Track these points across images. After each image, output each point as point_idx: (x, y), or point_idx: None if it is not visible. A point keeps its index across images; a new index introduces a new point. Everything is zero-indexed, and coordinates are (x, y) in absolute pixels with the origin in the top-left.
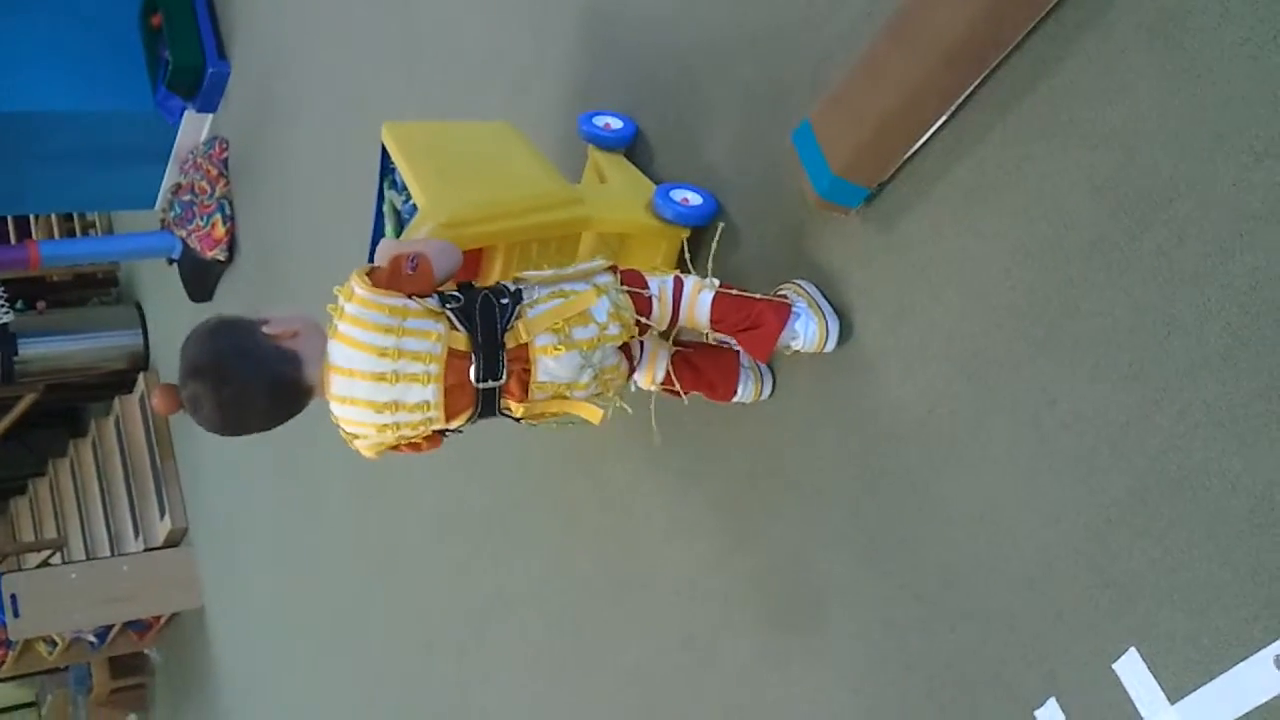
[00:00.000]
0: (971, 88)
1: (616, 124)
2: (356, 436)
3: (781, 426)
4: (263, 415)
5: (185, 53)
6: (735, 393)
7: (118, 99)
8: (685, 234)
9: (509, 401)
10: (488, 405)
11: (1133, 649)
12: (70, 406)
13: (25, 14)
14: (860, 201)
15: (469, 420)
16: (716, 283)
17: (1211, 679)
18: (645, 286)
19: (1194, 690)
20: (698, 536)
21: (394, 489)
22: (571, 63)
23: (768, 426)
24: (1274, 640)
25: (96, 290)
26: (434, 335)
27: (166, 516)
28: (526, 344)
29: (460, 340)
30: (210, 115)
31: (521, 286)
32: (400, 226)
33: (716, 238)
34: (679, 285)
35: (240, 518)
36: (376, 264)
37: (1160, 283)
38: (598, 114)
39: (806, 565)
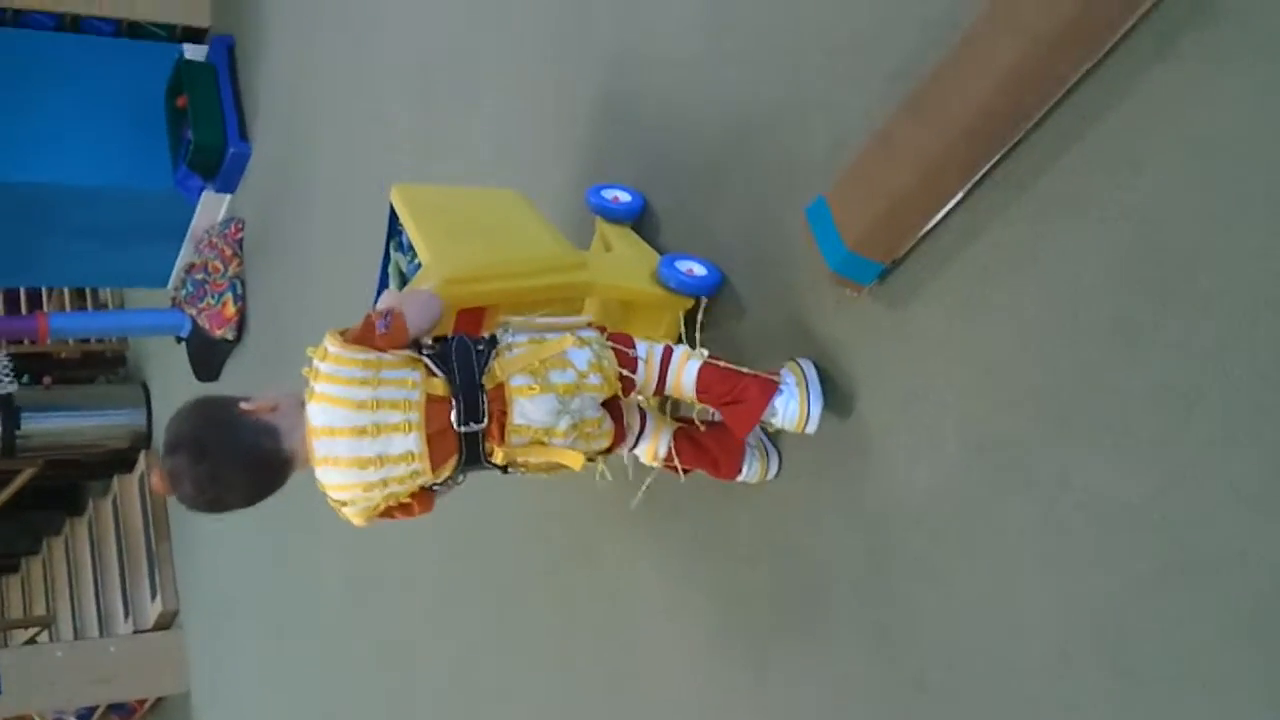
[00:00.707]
0: (990, 164)
1: (625, 197)
2: (344, 504)
3: (786, 508)
4: (242, 491)
5: (208, 133)
6: (740, 471)
7: (138, 177)
8: (688, 305)
9: (491, 445)
10: (472, 451)
11: None
12: (69, 485)
13: (55, 88)
14: (873, 278)
15: (456, 470)
16: (705, 353)
17: None
18: (632, 346)
19: None
20: (695, 621)
21: (391, 579)
22: (585, 142)
23: (772, 508)
24: None
25: (104, 369)
26: (410, 383)
27: (158, 598)
28: (503, 384)
29: (438, 386)
30: (228, 196)
31: (500, 331)
32: (403, 288)
33: (702, 309)
34: (668, 352)
35: (233, 604)
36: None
37: (1182, 358)
38: (607, 187)
39: (808, 651)
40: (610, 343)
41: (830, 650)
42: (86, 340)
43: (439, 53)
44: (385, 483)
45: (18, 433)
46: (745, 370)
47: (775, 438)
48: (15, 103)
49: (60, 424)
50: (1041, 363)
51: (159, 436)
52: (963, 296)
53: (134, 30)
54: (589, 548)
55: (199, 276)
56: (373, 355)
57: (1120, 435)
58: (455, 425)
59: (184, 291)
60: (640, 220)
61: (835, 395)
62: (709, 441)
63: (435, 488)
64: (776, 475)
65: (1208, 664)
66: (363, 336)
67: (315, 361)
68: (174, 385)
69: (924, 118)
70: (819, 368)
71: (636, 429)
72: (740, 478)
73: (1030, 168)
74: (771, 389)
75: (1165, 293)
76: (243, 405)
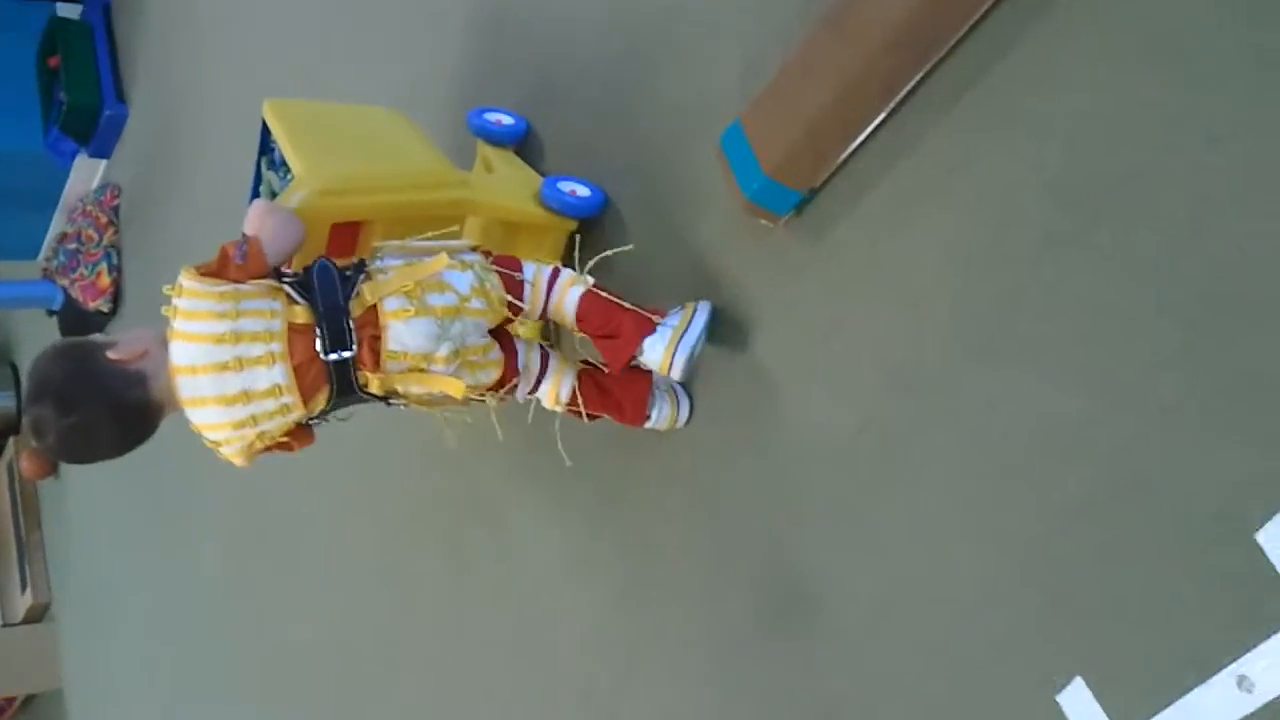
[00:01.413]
0: (912, 83)
1: (507, 120)
2: (219, 444)
3: (699, 454)
4: (112, 442)
5: (82, 93)
6: (647, 417)
7: (6, 139)
8: (572, 227)
9: (365, 374)
10: (343, 382)
11: (1079, 679)
12: None
13: None
14: (791, 208)
15: (329, 404)
16: (590, 280)
17: (1166, 706)
18: (519, 269)
19: None
20: (600, 579)
21: (275, 545)
22: (465, 63)
23: (683, 454)
24: (1236, 658)
25: None
26: (270, 313)
27: (28, 590)
28: (374, 308)
29: (300, 313)
30: (104, 161)
31: (373, 256)
32: None
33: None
34: (555, 274)
35: (109, 594)
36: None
37: (1112, 278)
38: (489, 110)
39: (722, 609)
40: (495, 266)
41: (749, 608)
42: None
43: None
44: (255, 419)
45: None
46: (626, 304)
47: (687, 383)
48: None
49: None
50: (964, 289)
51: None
52: (883, 224)
53: None
54: (485, 501)
55: (72, 246)
56: (229, 287)
57: (1049, 360)
58: (321, 354)
59: (55, 262)
60: (524, 144)
61: (748, 332)
62: (613, 385)
63: (311, 422)
64: (688, 422)
65: (1141, 593)
66: (219, 269)
67: (173, 299)
68: None
69: (844, 34)
70: (715, 312)
71: (535, 370)
72: (649, 424)
73: (952, 86)
74: (646, 328)
75: (1095, 210)
76: (110, 354)
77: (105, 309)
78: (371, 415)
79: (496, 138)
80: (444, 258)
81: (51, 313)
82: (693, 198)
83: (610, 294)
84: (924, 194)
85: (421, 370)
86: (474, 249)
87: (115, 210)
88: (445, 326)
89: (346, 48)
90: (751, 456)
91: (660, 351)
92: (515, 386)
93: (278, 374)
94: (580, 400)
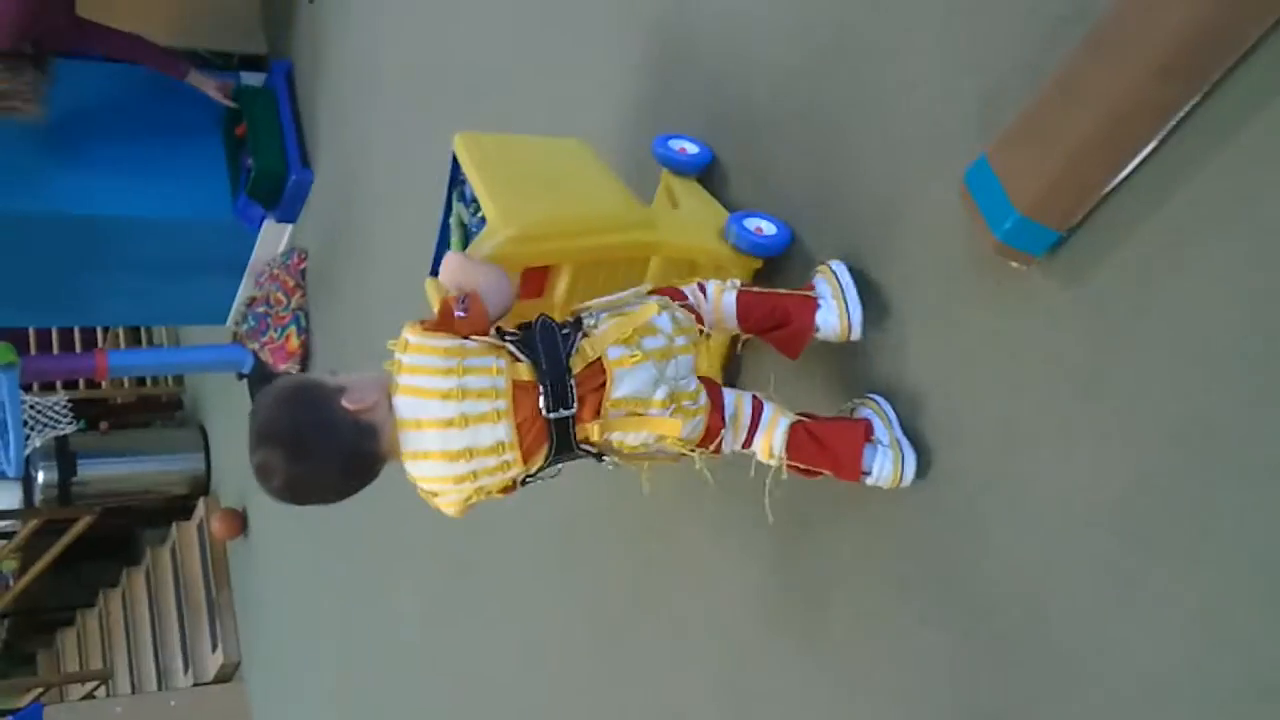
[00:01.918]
0: (1189, 105)
1: (692, 149)
2: (435, 495)
3: (934, 517)
4: (335, 490)
5: (269, 159)
6: (865, 472)
7: (195, 209)
8: (757, 266)
9: (584, 428)
10: (563, 439)
11: None
12: (125, 535)
13: (110, 119)
14: (1047, 248)
15: (546, 460)
16: (738, 283)
17: None
18: (684, 297)
19: None
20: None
21: (470, 617)
22: (649, 89)
23: (915, 517)
24: None
25: (160, 413)
26: (495, 369)
27: (219, 649)
28: (598, 360)
29: (524, 371)
30: (290, 226)
31: (581, 315)
32: (466, 241)
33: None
34: (703, 289)
35: (299, 653)
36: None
37: None
38: (673, 137)
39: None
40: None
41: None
42: (143, 383)
43: (496, 57)
44: (475, 475)
45: (73, 480)
46: (781, 291)
47: (913, 432)
48: (70, 135)
49: (117, 470)
50: (1261, 332)
51: (218, 481)
52: (1154, 265)
53: (191, 60)
54: (693, 565)
55: (261, 310)
56: (454, 342)
57: None
58: (544, 412)
59: (245, 326)
60: (708, 174)
61: (992, 385)
62: (827, 434)
63: (526, 480)
64: (914, 478)
65: None
66: (442, 323)
67: (397, 354)
68: (233, 427)
69: (1108, 57)
70: (852, 269)
71: (747, 420)
72: (869, 480)
73: (1236, 108)
74: (811, 304)
75: None
76: (345, 403)
77: (295, 371)
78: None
79: (680, 167)
80: (653, 305)
81: (242, 376)
82: (916, 237)
83: (759, 286)
84: (1204, 230)
85: (639, 415)
86: (652, 290)
87: (303, 273)
88: (661, 369)
89: (530, 85)
90: (1000, 523)
91: (834, 320)
92: (722, 440)
93: (502, 431)
94: (787, 451)
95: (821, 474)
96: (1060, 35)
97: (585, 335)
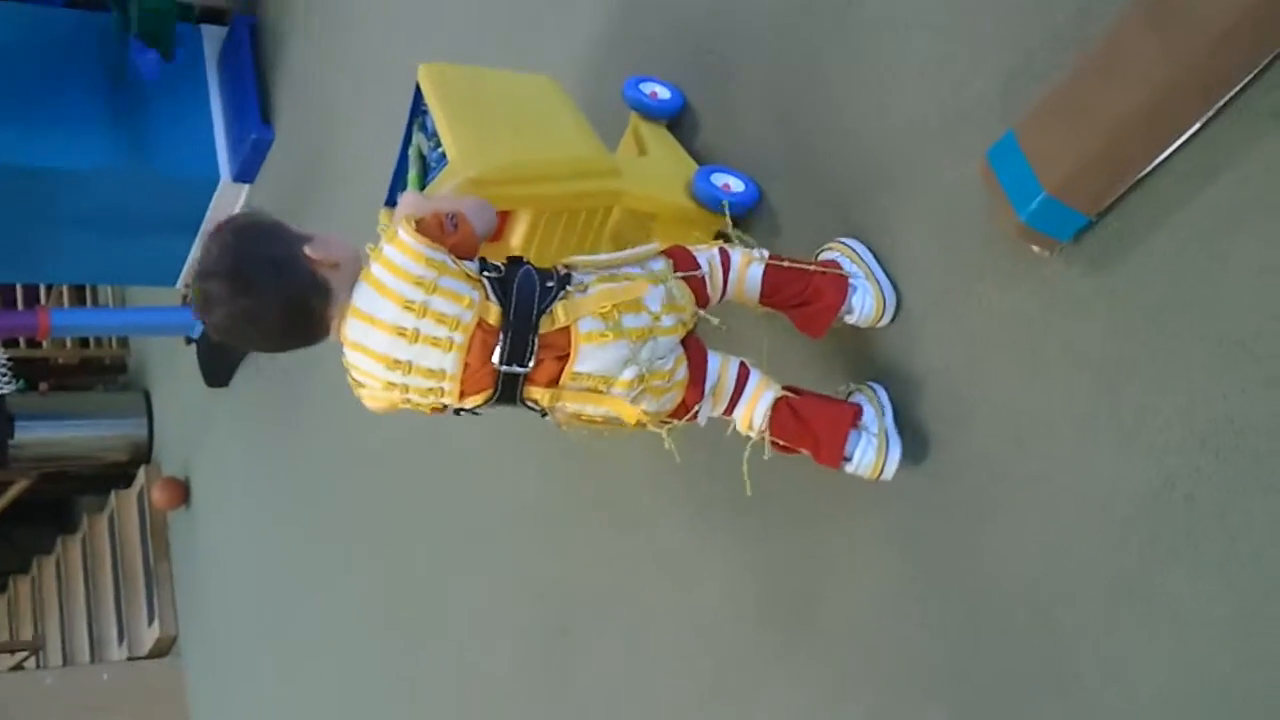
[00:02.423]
0: (1243, 81)
1: (664, 93)
2: (362, 385)
3: (927, 513)
4: (271, 337)
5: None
6: (845, 458)
7: (149, 161)
8: (718, 225)
9: (533, 390)
10: (508, 391)
11: None
12: (62, 501)
13: (55, 67)
14: (1073, 232)
15: (485, 403)
16: (766, 254)
17: None
18: (697, 267)
19: None
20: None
21: (425, 600)
22: (626, 20)
23: (908, 509)
24: None
25: (103, 376)
26: (466, 300)
27: (155, 622)
28: (567, 328)
29: (493, 313)
30: (247, 186)
31: (571, 271)
32: (424, 173)
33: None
34: (726, 257)
35: (239, 629)
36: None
37: None
38: (645, 80)
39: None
40: (678, 272)
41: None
42: (86, 344)
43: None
44: (406, 388)
45: (11, 442)
46: (811, 266)
47: (917, 420)
48: (10, 82)
49: (56, 434)
50: None
51: (160, 449)
52: (1190, 253)
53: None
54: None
55: None
56: (439, 256)
57: None
58: (496, 363)
59: None
60: (678, 121)
61: (1005, 373)
62: (812, 413)
63: (459, 411)
64: (892, 472)
65: None
66: (432, 230)
67: (382, 241)
68: (179, 393)
69: (1160, 23)
70: (870, 246)
71: (730, 389)
72: (848, 468)
73: None
74: (843, 283)
75: None
76: (308, 250)
77: None
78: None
79: (651, 111)
80: (645, 281)
81: (189, 340)
82: (923, 215)
83: (790, 259)
84: (1251, 217)
85: (599, 392)
86: (660, 254)
87: None
88: (636, 349)
89: (500, 22)
90: (1003, 517)
91: (870, 301)
92: (698, 412)
93: (449, 362)
94: (769, 426)
95: (800, 453)
96: (1093, 7)
97: (567, 296)
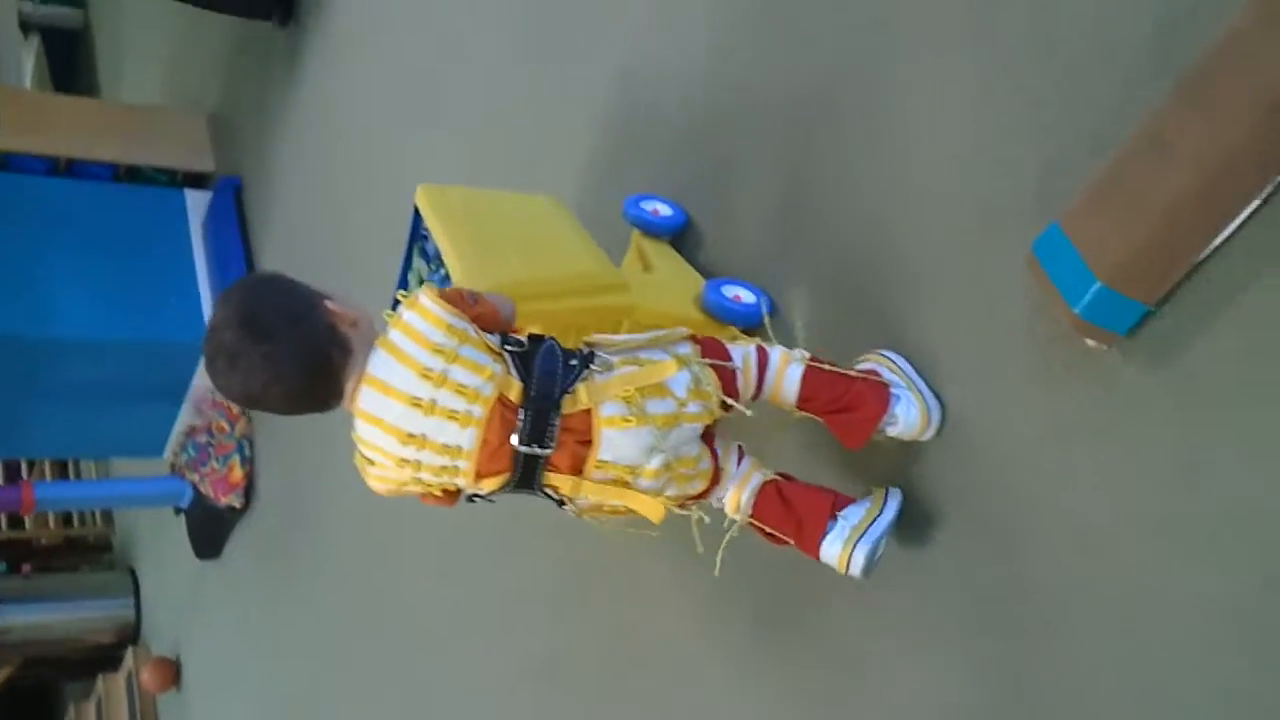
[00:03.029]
0: None
1: (665, 210)
2: (372, 463)
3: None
4: (288, 397)
5: None
6: (820, 546)
7: (133, 329)
8: (732, 336)
9: (554, 478)
10: (527, 475)
11: None
12: (46, 689)
13: (42, 236)
14: (1133, 324)
15: (502, 488)
16: (806, 355)
17: None
18: (728, 358)
19: None
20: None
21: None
22: (620, 142)
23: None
24: None
25: (88, 556)
26: (488, 372)
27: None
28: (589, 411)
29: (514, 388)
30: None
31: (595, 350)
32: None
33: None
34: (763, 355)
35: None
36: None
37: None
38: (646, 198)
39: None
40: (705, 358)
41: None
42: (69, 523)
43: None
44: (418, 465)
45: None
46: (853, 372)
47: (971, 550)
48: (1, 251)
49: (40, 617)
50: None
51: (148, 629)
52: (1262, 341)
53: (133, 175)
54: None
55: (202, 439)
56: (461, 324)
57: None
58: (515, 443)
59: (184, 457)
60: (681, 238)
61: (1069, 481)
62: (797, 498)
63: (472, 498)
64: (868, 570)
65: None
66: (455, 299)
67: (401, 308)
68: (166, 569)
69: (1207, 99)
70: (908, 358)
71: (732, 471)
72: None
73: None
74: (886, 394)
75: None
76: (329, 304)
77: (237, 504)
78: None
79: (653, 229)
80: (673, 364)
81: (179, 510)
82: (956, 320)
83: (830, 363)
84: None
85: (625, 484)
86: (688, 338)
87: None
88: (662, 437)
89: (492, 147)
90: (1081, 628)
91: (915, 412)
92: (711, 492)
93: (465, 438)
94: (753, 508)
95: (786, 542)
96: (1129, 107)
97: (589, 376)
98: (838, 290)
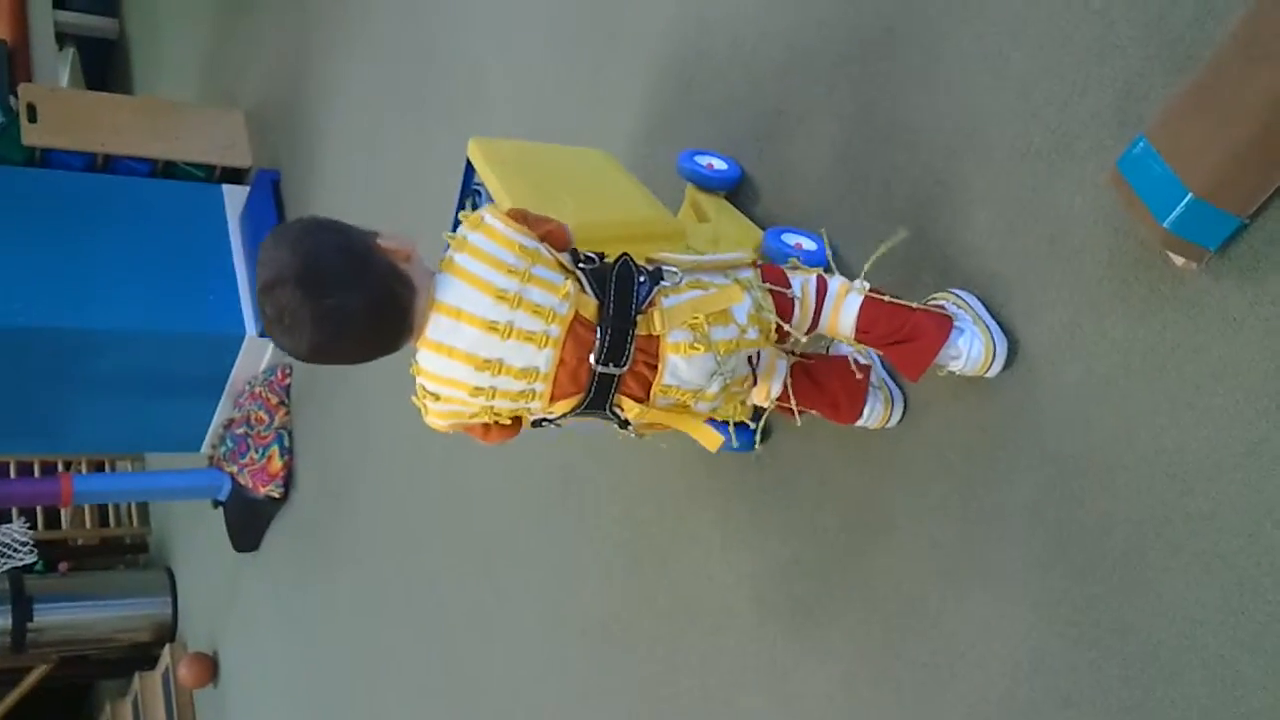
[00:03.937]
0: None
1: (720, 165)
2: (437, 397)
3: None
4: (360, 342)
5: None
6: (860, 414)
7: (171, 320)
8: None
9: (624, 399)
10: (600, 395)
11: None
12: (83, 687)
13: (80, 230)
14: (1224, 238)
15: (574, 410)
16: (866, 285)
17: None
18: (788, 285)
19: None
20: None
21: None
22: (673, 104)
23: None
24: None
25: (124, 556)
26: (563, 291)
27: None
28: (658, 336)
29: (589, 306)
30: (272, 342)
31: (663, 267)
32: None
33: (892, 241)
34: (823, 285)
35: None
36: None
37: None
38: (700, 153)
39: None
40: (767, 284)
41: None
42: (106, 523)
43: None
44: (494, 392)
45: (29, 625)
46: (915, 305)
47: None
48: (34, 246)
49: (77, 616)
50: None
51: (186, 626)
52: None
53: (170, 171)
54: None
55: (240, 431)
56: (533, 244)
57: None
58: (593, 361)
59: (223, 449)
60: (735, 193)
61: (1163, 410)
62: (827, 378)
63: (539, 422)
64: (899, 420)
65: None
66: (522, 217)
67: (463, 229)
68: (204, 565)
69: None
70: (979, 296)
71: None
72: (860, 421)
73: None
74: (947, 325)
75: None
76: (381, 241)
77: (276, 494)
78: None
79: (709, 183)
80: (736, 290)
81: (217, 504)
82: (1032, 248)
83: (890, 295)
84: None
85: (688, 408)
86: (750, 264)
87: (287, 390)
88: (723, 363)
89: (551, 104)
90: (1169, 574)
91: (980, 347)
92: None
93: (543, 359)
94: (792, 394)
95: (809, 412)
96: (1211, 11)
97: (660, 297)
98: (910, 232)
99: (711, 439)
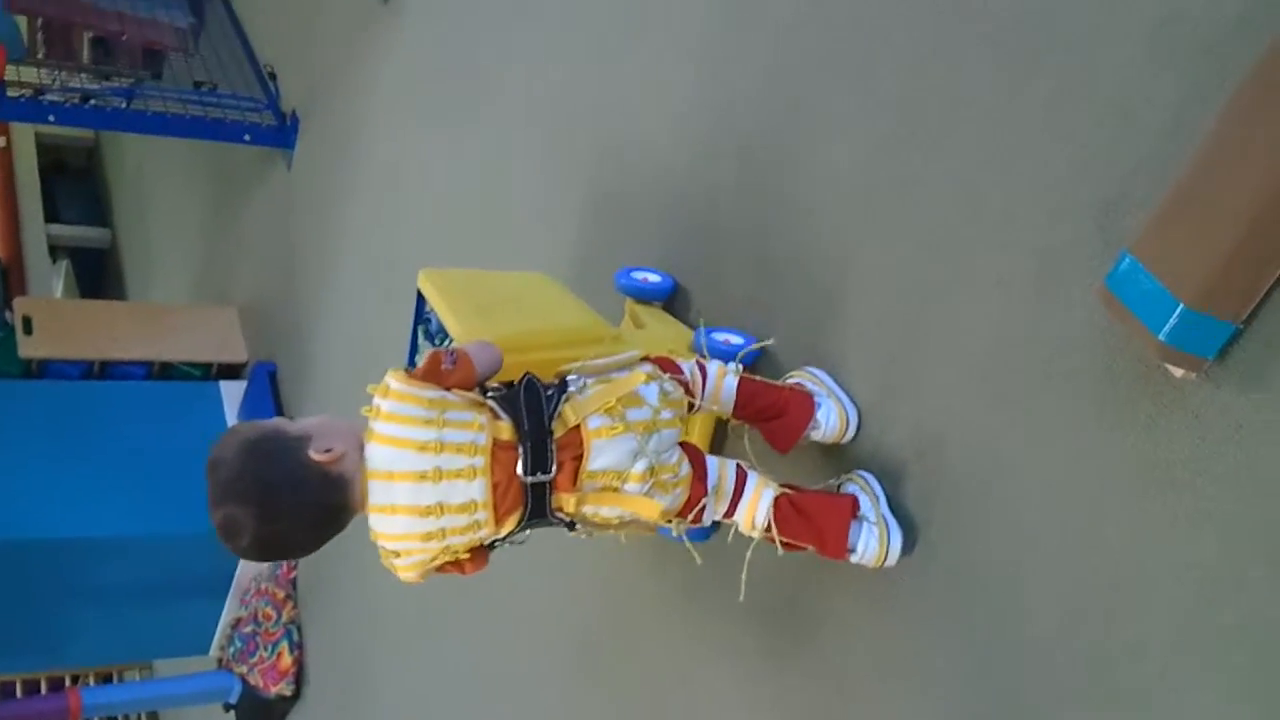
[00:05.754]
0: None
1: (655, 278)
2: (397, 554)
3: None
4: (305, 545)
5: None
6: (850, 549)
7: (174, 524)
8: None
9: (560, 497)
10: (538, 504)
11: None
12: None
13: (81, 437)
14: (1220, 345)
15: (519, 525)
16: (741, 368)
17: None
18: (680, 371)
19: None
20: None
21: None
22: (593, 232)
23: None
24: None
25: None
26: (476, 425)
27: None
28: (577, 428)
29: (505, 430)
30: None
31: (567, 377)
32: None
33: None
34: (703, 368)
35: None
36: None
37: None
38: (635, 269)
39: None
40: (666, 373)
41: None
42: None
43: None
44: (444, 533)
45: None
46: (778, 384)
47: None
48: (32, 458)
49: None
50: None
51: None
52: None
53: (166, 372)
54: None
55: (248, 629)
56: (438, 394)
57: None
58: (521, 474)
59: (232, 649)
60: (669, 302)
61: (1176, 522)
62: (814, 508)
63: (494, 544)
64: (899, 557)
65: None
66: (428, 373)
67: (376, 399)
68: None
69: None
70: (830, 373)
71: (730, 490)
72: (854, 558)
73: None
74: (809, 400)
75: None
76: (313, 455)
77: (288, 692)
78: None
79: (645, 294)
80: (641, 374)
81: (229, 707)
82: (1043, 371)
83: (762, 378)
84: None
85: (615, 490)
86: (644, 358)
87: (293, 583)
88: (643, 442)
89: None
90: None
91: (834, 417)
92: (704, 508)
93: (476, 490)
94: (775, 527)
95: (805, 549)
96: (1183, 124)
97: (568, 400)
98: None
99: (650, 508)
